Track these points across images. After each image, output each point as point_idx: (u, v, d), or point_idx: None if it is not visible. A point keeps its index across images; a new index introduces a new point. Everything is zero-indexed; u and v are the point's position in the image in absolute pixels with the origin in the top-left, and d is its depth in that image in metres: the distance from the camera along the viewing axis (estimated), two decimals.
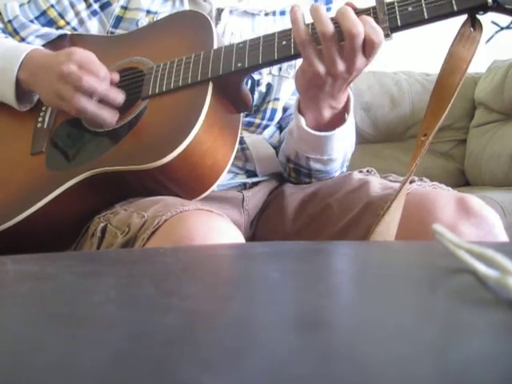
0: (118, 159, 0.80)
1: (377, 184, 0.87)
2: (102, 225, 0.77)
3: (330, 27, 0.73)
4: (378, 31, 0.72)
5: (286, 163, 0.95)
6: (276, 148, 1.00)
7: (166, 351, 0.25)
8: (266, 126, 0.98)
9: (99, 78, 0.81)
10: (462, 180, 2.12)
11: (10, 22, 0.97)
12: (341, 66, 0.74)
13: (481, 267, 0.34)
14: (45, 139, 0.89)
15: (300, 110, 0.84)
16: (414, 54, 2.16)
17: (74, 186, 0.81)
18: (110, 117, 0.83)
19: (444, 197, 0.79)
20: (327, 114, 0.82)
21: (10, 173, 0.90)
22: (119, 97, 0.84)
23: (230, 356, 0.25)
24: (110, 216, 0.78)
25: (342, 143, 0.87)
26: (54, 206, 0.82)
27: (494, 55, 2.11)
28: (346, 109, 0.84)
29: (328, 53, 0.74)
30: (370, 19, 0.73)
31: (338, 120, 0.84)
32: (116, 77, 0.86)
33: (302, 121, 0.84)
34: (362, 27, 0.72)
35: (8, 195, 0.87)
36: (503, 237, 0.76)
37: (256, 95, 0.93)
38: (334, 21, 0.74)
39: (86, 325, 0.29)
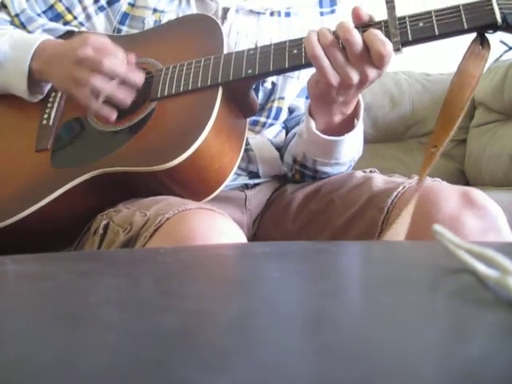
0: (125, 160, 0.80)
1: (379, 179, 0.87)
2: (104, 222, 0.77)
3: (332, 38, 0.75)
4: (385, 43, 0.73)
5: (292, 164, 0.95)
6: (280, 148, 1.00)
7: (165, 351, 0.25)
8: (271, 125, 0.98)
9: (118, 59, 0.81)
10: (462, 180, 2.12)
11: (17, 15, 0.96)
12: (355, 76, 0.75)
13: (481, 267, 0.34)
14: (50, 136, 0.89)
15: (311, 113, 0.85)
16: (414, 54, 2.15)
17: (79, 185, 0.81)
18: (126, 95, 0.82)
19: (447, 189, 0.79)
20: (337, 119, 0.83)
21: (14, 169, 0.89)
22: (140, 77, 0.83)
23: (230, 356, 0.25)
24: (112, 214, 0.78)
25: (350, 148, 0.88)
26: (58, 204, 0.82)
27: (494, 55, 2.11)
28: (355, 114, 0.85)
29: (338, 64, 0.75)
30: (378, 32, 0.74)
31: (347, 125, 0.85)
32: (132, 57, 0.84)
33: (313, 124, 0.84)
34: (358, 34, 0.73)
35: (11, 191, 0.87)
36: (506, 229, 0.76)
37: (260, 94, 0.93)
38: (336, 34, 0.75)
39: (85, 325, 0.29)
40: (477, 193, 0.78)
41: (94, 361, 0.24)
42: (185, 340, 0.27)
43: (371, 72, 0.75)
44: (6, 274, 0.41)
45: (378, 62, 0.74)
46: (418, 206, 0.76)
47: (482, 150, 2.03)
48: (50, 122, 0.90)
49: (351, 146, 0.88)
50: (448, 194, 0.78)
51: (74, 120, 0.89)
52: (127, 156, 0.81)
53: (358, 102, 0.84)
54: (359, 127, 0.87)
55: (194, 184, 0.81)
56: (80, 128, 0.87)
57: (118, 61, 0.81)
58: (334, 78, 0.75)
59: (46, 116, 0.91)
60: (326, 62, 0.75)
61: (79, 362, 0.24)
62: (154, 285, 0.38)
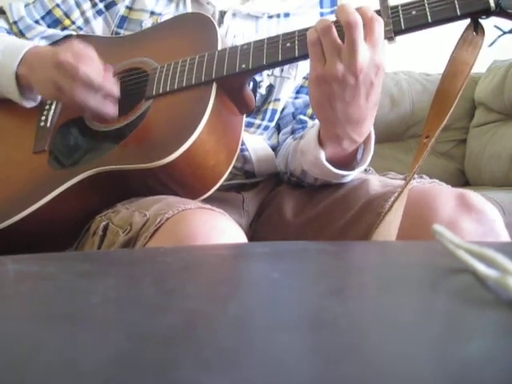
0: (121, 158, 0.80)
1: (376, 182, 0.87)
2: (103, 223, 0.77)
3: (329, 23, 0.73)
4: (378, 19, 0.71)
5: (288, 176, 0.94)
6: (275, 149, 1.00)
7: (165, 351, 0.25)
8: (267, 127, 0.97)
9: (94, 68, 0.81)
10: (462, 180, 2.12)
11: (15, 23, 0.97)
12: (340, 66, 0.72)
13: (481, 267, 0.34)
14: (47, 138, 0.89)
15: (320, 141, 0.82)
16: (414, 54, 2.16)
17: (76, 184, 0.81)
18: (111, 110, 0.83)
19: (444, 193, 0.79)
20: (347, 146, 0.81)
21: (12, 171, 0.90)
22: (115, 88, 0.83)
23: (230, 356, 0.25)
24: (111, 215, 0.78)
25: (357, 172, 0.88)
26: (56, 204, 0.82)
27: (494, 55, 2.11)
28: (367, 144, 0.85)
29: (328, 50, 0.73)
30: (371, 10, 0.72)
31: (357, 152, 0.84)
32: (109, 68, 0.85)
33: (322, 155, 0.81)
34: (360, 17, 0.71)
35: (9, 193, 0.87)
36: (504, 233, 0.76)
37: (257, 96, 0.93)
38: (337, 23, 0.73)
39: (85, 325, 0.29)
40: (474, 196, 0.77)
41: (94, 361, 0.24)
42: (185, 340, 0.27)
43: (361, 52, 0.71)
44: (6, 274, 0.41)
45: (370, 36, 0.71)
46: (414, 210, 0.76)
47: (482, 150, 2.03)
48: (48, 124, 0.90)
49: (359, 171, 0.87)
50: (445, 198, 0.77)
51: (72, 121, 0.89)
52: (123, 154, 0.81)
53: (370, 134, 0.83)
54: (368, 159, 0.85)
55: (190, 181, 0.81)
56: (77, 129, 0.88)
57: (95, 69, 0.82)
58: (319, 67, 0.73)
59: (43, 118, 0.91)
60: (318, 47, 0.73)
61: (79, 361, 0.24)
62: (154, 285, 0.38)
